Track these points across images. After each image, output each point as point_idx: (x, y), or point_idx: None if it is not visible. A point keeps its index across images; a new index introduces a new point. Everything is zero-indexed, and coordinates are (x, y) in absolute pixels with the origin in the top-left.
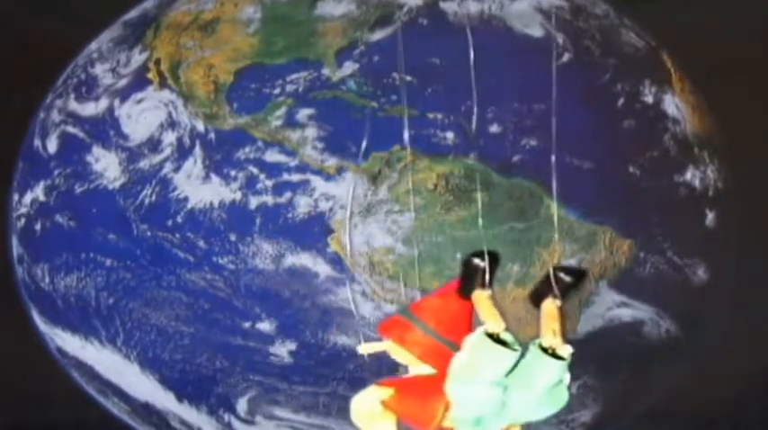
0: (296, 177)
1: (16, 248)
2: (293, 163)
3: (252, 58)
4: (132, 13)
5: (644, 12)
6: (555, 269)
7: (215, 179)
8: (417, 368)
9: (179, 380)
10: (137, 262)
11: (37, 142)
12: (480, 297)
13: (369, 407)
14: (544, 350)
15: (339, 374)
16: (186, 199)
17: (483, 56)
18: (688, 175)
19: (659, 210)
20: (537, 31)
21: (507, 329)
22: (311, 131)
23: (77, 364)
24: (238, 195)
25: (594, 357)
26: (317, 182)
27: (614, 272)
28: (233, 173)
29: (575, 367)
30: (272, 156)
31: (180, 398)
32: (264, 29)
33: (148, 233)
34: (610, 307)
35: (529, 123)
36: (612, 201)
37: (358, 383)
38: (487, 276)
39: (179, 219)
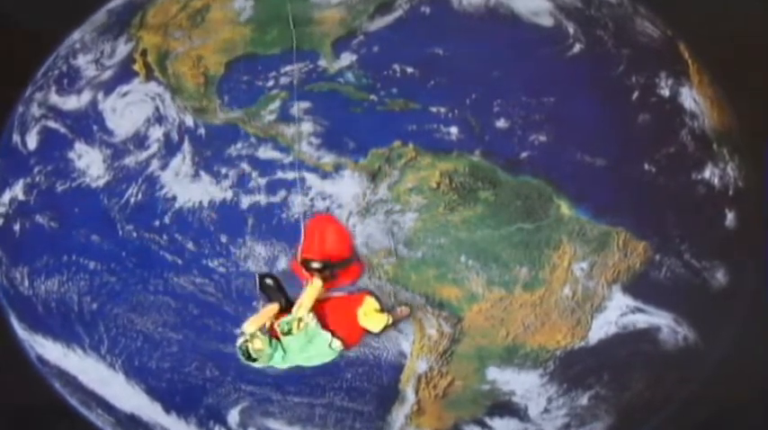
0: (290, 175)
1: None
2: (287, 160)
3: (244, 49)
4: (117, 1)
5: None
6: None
7: (204, 177)
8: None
9: (167, 390)
10: (122, 265)
11: (16, 138)
12: (267, 308)
13: None
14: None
15: (336, 384)
16: (174, 198)
17: (489, 47)
18: (706, 173)
19: (676, 210)
20: (546, 21)
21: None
22: (307, 126)
23: (59, 373)
24: (229, 194)
25: (607, 366)
26: (312, 180)
27: (628, 275)
28: (224, 170)
29: (587, 377)
30: (266, 152)
31: (167, 409)
32: (257, 17)
33: (134, 234)
34: (624, 312)
35: (537, 118)
36: (627, 201)
37: (355, 393)
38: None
39: (166, 220)
